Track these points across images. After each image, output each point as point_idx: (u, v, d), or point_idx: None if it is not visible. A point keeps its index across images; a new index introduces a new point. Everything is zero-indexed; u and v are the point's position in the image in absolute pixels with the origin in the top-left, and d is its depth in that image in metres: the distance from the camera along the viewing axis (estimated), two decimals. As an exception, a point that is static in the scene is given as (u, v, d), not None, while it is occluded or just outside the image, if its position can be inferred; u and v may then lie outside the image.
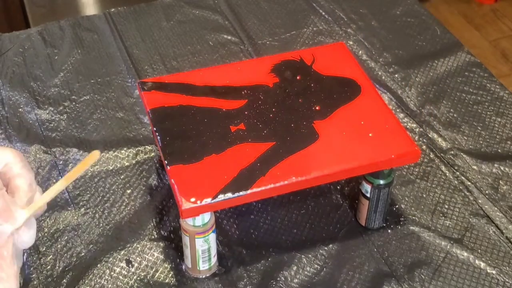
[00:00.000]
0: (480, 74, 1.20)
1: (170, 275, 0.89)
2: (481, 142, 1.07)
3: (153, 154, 1.05)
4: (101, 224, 0.95)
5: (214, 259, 0.88)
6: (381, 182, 0.88)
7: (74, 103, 1.14)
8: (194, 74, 0.98)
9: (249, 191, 0.81)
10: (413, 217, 0.96)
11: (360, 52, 1.25)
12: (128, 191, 1.00)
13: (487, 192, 1.00)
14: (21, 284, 0.88)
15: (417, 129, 1.09)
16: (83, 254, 0.91)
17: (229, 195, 0.80)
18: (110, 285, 0.88)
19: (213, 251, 0.87)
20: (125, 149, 1.06)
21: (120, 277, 0.89)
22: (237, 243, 0.93)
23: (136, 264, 0.90)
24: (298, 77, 0.97)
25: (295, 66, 0.99)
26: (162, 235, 0.94)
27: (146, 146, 1.06)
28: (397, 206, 0.97)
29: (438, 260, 0.91)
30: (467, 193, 0.99)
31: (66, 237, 0.93)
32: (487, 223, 0.95)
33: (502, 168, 1.03)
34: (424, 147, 1.06)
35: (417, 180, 1.01)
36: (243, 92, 0.94)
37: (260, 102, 0.93)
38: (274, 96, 0.94)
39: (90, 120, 1.11)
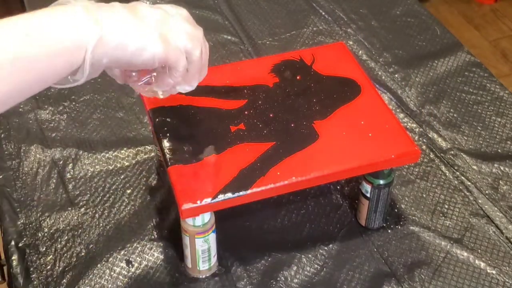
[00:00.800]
0: (480, 74, 1.20)
1: (170, 275, 0.89)
2: (481, 142, 1.07)
3: (153, 154, 1.05)
4: (101, 224, 0.95)
5: (214, 259, 0.88)
6: (381, 182, 0.88)
7: (74, 103, 1.14)
8: (194, 74, 0.98)
9: (249, 191, 0.81)
10: (413, 217, 0.96)
11: (360, 52, 1.25)
12: (128, 191, 1.00)
13: (487, 192, 1.00)
14: (21, 284, 0.88)
15: (417, 129, 1.09)
16: (83, 254, 0.91)
17: (229, 195, 0.80)
18: (110, 285, 0.88)
19: (213, 251, 0.87)
20: (125, 149, 1.06)
21: (120, 277, 0.89)
22: (237, 243, 0.93)
23: (136, 264, 0.90)
24: (298, 77, 0.97)
25: (295, 66, 0.99)
26: (162, 235, 0.94)
27: (146, 146, 1.06)
28: (397, 206, 0.97)
29: (438, 260, 0.91)
30: (467, 193, 0.99)
31: (66, 237, 0.93)
32: (487, 223, 0.95)
33: (502, 168, 1.03)
34: (424, 147, 1.06)
35: (417, 180, 1.01)
36: (243, 92, 0.94)
37: (260, 102, 0.93)
38: (274, 96, 0.94)
39: (90, 120, 1.11)
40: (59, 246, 0.92)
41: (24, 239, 0.93)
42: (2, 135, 1.08)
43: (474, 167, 1.03)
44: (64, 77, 0.68)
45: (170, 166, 0.83)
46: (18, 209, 0.97)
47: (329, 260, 0.90)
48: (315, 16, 1.34)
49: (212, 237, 0.85)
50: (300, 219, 0.96)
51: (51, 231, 0.94)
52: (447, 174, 1.02)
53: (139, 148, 1.06)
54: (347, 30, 1.30)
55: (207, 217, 0.83)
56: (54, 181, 1.01)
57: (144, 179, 1.01)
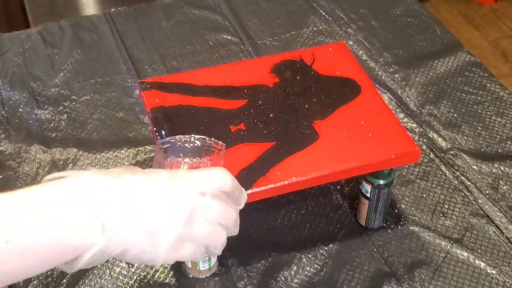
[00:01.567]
0: (480, 74, 1.20)
1: (170, 275, 0.89)
2: (481, 142, 1.07)
3: (153, 154, 1.05)
4: (101, 224, 0.95)
5: (214, 259, 0.88)
6: (381, 182, 0.88)
7: (74, 103, 1.14)
8: (194, 74, 0.98)
9: (249, 191, 0.81)
10: (413, 217, 0.96)
11: (360, 52, 1.25)
12: (128, 191, 0.99)
13: (487, 192, 1.00)
14: (21, 283, 0.88)
15: (417, 129, 1.09)
16: (83, 254, 0.91)
17: (229, 195, 0.80)
18: (110, 285, 0.88)
19: (213, 251, 0.86)
20: (125, 149, 1.06)
21: (120, 277, 0.89)
22: (237, 243, 0.92)
23: (136, 264, 0.90)
24: (298, 77, 0.97)
25: (295, 66, 0.99)
26: (162, 235, 0.93)
27: (146, 146, 1.06)
28: (397, 206, 0.97)
29: (438, 260, 0.91)
30: (467, 193, 0.99)
31: (66, 237, 0.93)
32: (487, 223, 0.95)
33: (502, 168, 1.03)
34: (424, 147, 1.06)
35: (417, 180, 1.01)
36: (243, 92, 0.94)
37: (260, 102, 0.93)
38: (274, 96, 0.94)
39: (90, 120, 1.11)
40: (59, 246, 0.92)
41: (24, 239, 0.93)
42: (2, 135, 1.08)
43: (474, 167, 1.03)
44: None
45: (170, 166, 0.83)
46: (18, 209, 0.97)
47: (329, 260, 0.90)
48: (315, 16, 1.34)
49: (212, 237, 0.84)
50: (300, 219, 0.96)
51: (51, 231, 0.94)
52: (447, 174, 1.02)
53: (139, 148, 1.06)
54: (347, 30, 1.30)
55: (207, 217, 0.83)
56: (54, 181, 1.01)
57: (144, 179, 1.01)
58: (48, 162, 1.04)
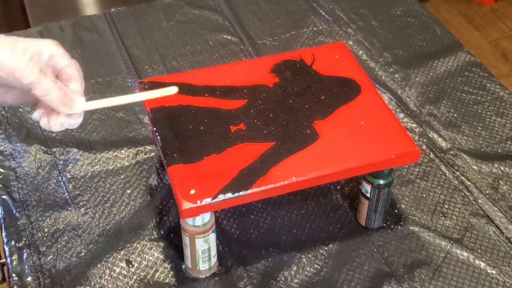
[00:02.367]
0: (480, 74, 1.20)
1: (170, 275, 0.89)
2: (481, 142, 1.07)
3: (153, 154, 1.05)
4: (101, 224, 0.95)
5: (214, 259, 0.88)
6: (381, 182, 0.88)
7: (74, 103, 1.14)
8: (194, 74, 0.98)
9: (249, 191, 0.81)
10: (413, 217, 0.96)
11: (360, 52, 1.25)
12: (128, 191, 1.00)
13: (487, 192, 1.00)
14: (21, 284, 0.88)
15: (417, 129, 1.09)
16: (83, 254, 0.91)
17: (229, 195, 0.80)
18: (110, 285, 0.88)
19: (213, 251, 0.87)
20: (125, 149, 1.06)
21: (120, 277, 0.89)
22: (237, 243, 0.93)
23: (136, 264, 0.90)
24: (298, 77, 0.97)
25: (295, 66, 0.99)
26: (162, 235, 0.94)
27: (146, 146, 1.06)
28: (397, 206, 0.97)
29: (438, 260, 0.91)
30: (467, 193, 0.99)
31: (66, 237, 0.93)
32: (487, 223, 0.95)
33: (502, 168, 1.03)
34: (424, 147, 1.06)
35: (417, 180, 1.01)
36: (243, 92, 0.94)
37: (260, 102, 0.93)
38: (274, 96, 0.94)
39: (90, 120, 1.11)
40: (59, 246, 0.92)
41: (24, 239, 0.93)
42: (2, 135, 1.08)
43: (474, 167, 1.03)
44: None
45: (170, 166, 0.83)
46: (18, 209, 0.97)
47: (329, 260, 0.90)
48: (315, 16, 1.34)
49: (212, 237, 0.85)
50: (300, 219, 0.96)
51: (51, 231, 0.94)
52: (447, 174, 1.02)
53: (139, 148, 1.06)
54: (347, 30, 1.30)
55: (207, 217, 0.83)
56: (54, 181, 1.01)
57: (144, 179, 1.01)
58: (48, 162, 1.04)
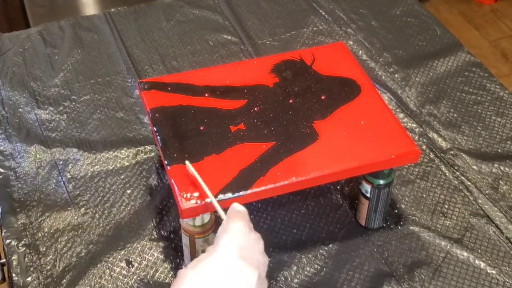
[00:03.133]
0: (480, 74, 1.20)
1: (170, 275, 0.89)
2: (481, 142, 1.07)
3: (153, 154, 1.05)
4: (101, 224, 0.95)
5: (214, 259, 0.87)
6: (381, 182, 0.88)
7: (74, 103, 1.14)
8: (194, 74, 0.98)
9: (249, 191, 0.81)
10: (413, 217, 0.96)
11: (360, 52, 1.25)
12: (128, 191, 1.00)
13: (487, 192, 1.00)
14: (21, 284, 0.88)
15: (417, 129, 1.09)
16: (83, 254, 0.91)
17: (229, 195, 0.80)
18: (110, 285, 0.88)
19: (213, 251, 0.86)
20: (125, 149, 1.06)
21: (120, 277, 0.89)
22: (237, 243, 0.92)
23: (136, 264, 0.90)
24: (298, 77, 0.97)
25: (295, 66, 0.99)
26: (162, 235, 0.94)
27: (146, 146, 1.06)
28: (397, 206, 0.97)
29: (438, 260, 0.91)
30: (467, 193, 0.99)
31: (66, 237, 0.93)
32: (487, 223, 0.95)
33: (502, 168, 1.03)
34: (424, 147, 1.06)
35: (417, 180, 1.01)
36: (243, 92, 0.94)
37: (260, 102, 0.93)
38: (274, 96, 0.94)
39: (90, 120, 1.11)
40: (59, 246, 0.92)
41: (24, 239, 0.93)
42: (2, 135, 1.08)
43: (474, 167, 1.03)
44: None
45: (170, 166, 0.83)
46: (18, 209, 0.97)
47: (329, 260, 0.90)
48: (315, 16, 1.34)
49: (212, 237, 0.85)
50: (300, 219, 0.96)
51: (51, 231, 0.94)
52: (447, 174, 1.02)
53: (139, 148, 1.06)
54: (347, 30, 1.30)
55: (207, 217, 0.83)
56: (54, 181, 1.01)
57: (144, 179, 1.01)
58: (48, 162, 1.04)
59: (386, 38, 1.28)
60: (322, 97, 0.93)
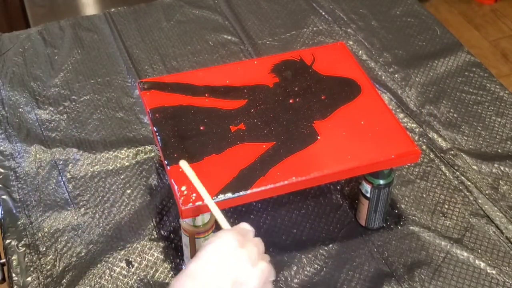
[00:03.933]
0: (480, 74, 1.20)
1: (170, 275, 0.89)
2: (481, 142, 1.07)
3: (153, 154, 1.05)
4: (101, 224, 0.95)
5: (214, 259, 0.87)
6: (381, 182, 0.88)
7: (74, 103, 1.14)
8: (194, 74, 0.98)
9: (249, 191, 0.81)
10: (413, 217, 0.96)
11: (360, 52, 1.25)
12: (128, 191, 1.00)
13: (487, 192, 1.00)
14: (21, 284, 0.88)
15: (417, 129, 1.09)
16: (83, 254, 0.91)
17: (229, 195, 0.80)
18: (110, 285, 0.88)
19: (213, 251, 0.86)
20: (125, 149, 1.06)
21: (120, 277, 0.89)
22: (237, 243, 0.92)
23: (136, 264, 0.90)
24: (298, 77, 0.97)
25: (295, 66, 0.99)
26: (162, 235, 0.94)
27: (146, 146, 1.06)
28: (397, 206, 0.97)
29: (438, 260, 0.91)
30: (467, 193, 0.99)
31: (66, 237, 0.93)
32: (487, 223, 0.95)
33: (502, 168, 1.03)
34: (424, 147, 1.06)
35: (417, 180, 1.01)
36: (243, 92, 0.94)
37: (260, 102, 0.93)
38: (274, 96, 0.94)
39: (90, 120, 1.11)
40: (59, 246, 0.92)
41: (24, 239, 0.93)
42: (2, 135, 1.08)
43: (474, 167, 1.03)
44: None
45: (170, 166, 0.83)
46: (18, 209, 0.97)
47: (329, 260, 0.90)
48: (315, 16, 1.34)
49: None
50: (300, 219, 0.96)
51: (51, 231, 0.94)
52: (447, 174, 1.02)
53: (139, 148, 1.06)
54: (347, 30, 1.30)
55: (207, 217, 0.83)
56: (54, 181, 1.01)
57: (144, 179, 1.01)
58: (48, 162, 1.04)
59: (386, 38, 1.28)
60: (322, 97, 0.93)
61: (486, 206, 0.97)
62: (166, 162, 0.84)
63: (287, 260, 0.90)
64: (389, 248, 0.92)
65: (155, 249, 0.92)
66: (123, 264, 0.90)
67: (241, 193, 0.81)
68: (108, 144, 1.07)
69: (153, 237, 0.93)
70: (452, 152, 1.05)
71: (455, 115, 1.12)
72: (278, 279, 0.88)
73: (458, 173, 1.02)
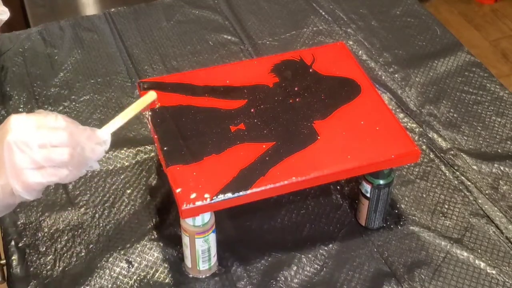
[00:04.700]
0: (480, 74, 1.20)
1: (170, 275, 0.89)
2: (481, 142, 1.07)
3: (153, 154, 1.05)
4: (101, 224, 0.95)
5: (214, 259, 0.88)
6: (381, 182, 0.88)
7: (74, 103, 1.14)
8: (194, 74, 0.98)
9: (249, 191, 0.81)
10: (413, 217, 0.96)
11: (360, 52, 1.25)
12: (128, 191, 1.00)
13: (487, 192, 1.00)
14: (21, 284, 0.88)
15: (417, 129, 1.09)
16: (83, 254, 0.91)
17: (229, 195, 0.80)
18: (110, 285, 0.88)
19: (213, 251, 0.87)
20: (125, 149, 1.06)
21: (120, 277, 0.89)
22: (237, 243, 0.93)
23: (136, 264, 0.90)
24: (298, 77, 0.97)
25: (295, 66, 0.99)
26: (162, 235, 0.94)
27: (146, 146, 1.06)
28: (397, 206, 0.97)
29: (438, 260, 0.91)
30: (467, 193, 0.99)
31: (66, 237, 0.93)
32: (487, 223, 0.95)
33: (502, 168, 1.03)
34: (424, 147, 1.06)
35: (417, 180, 1.01)
36: (243, 92, 0.94)
37: (260, 102, 0.93)
38: (274, 96, 0.94)
39: (90, 120, 1.11)
40: (59, 246, 0.92)
41: (24, 239, 0.93)
42: (2, 135, 1.08)
43: (474, 167, 1.03)
44: None
45: (169, 166, 0.83)
46: (18, 209, 0.97)
47: (329, 260, 0.90)
48: (315, 16, 1.34)
49: (212, 237, 0.85)
50: (300, 219, 0.96)
51: (51, 231, 0.94)
52: (447, 174, 1.02)
53: (139, 148, 1.06)
54: (347, 30, 1.30)
55: (207, 217, 0.83)
56: (54, 181, 1.01)
57: (144, 179, 1.01)
58: (48, 162, 1.04)
59: (386, 38, 1.28)
60: (322, 97, 0.94)
61: (486, 206, 0.97)
62: (165, 162, 0.84)
63: (287, 260, 0.90)
64: (389, 248, 0.92)
65: (155, 249, 0.92)
66: (123, 264, 0.90)
67: (241, 193, 0.81)
68: (108, 144, 1.07)
69: (153, 237, 0.93)
70: (452, 152, 1.05)
71: (455, 115, 1.12)
72: (278, 279, 0.88)
73: (458, 173, 1.02)
